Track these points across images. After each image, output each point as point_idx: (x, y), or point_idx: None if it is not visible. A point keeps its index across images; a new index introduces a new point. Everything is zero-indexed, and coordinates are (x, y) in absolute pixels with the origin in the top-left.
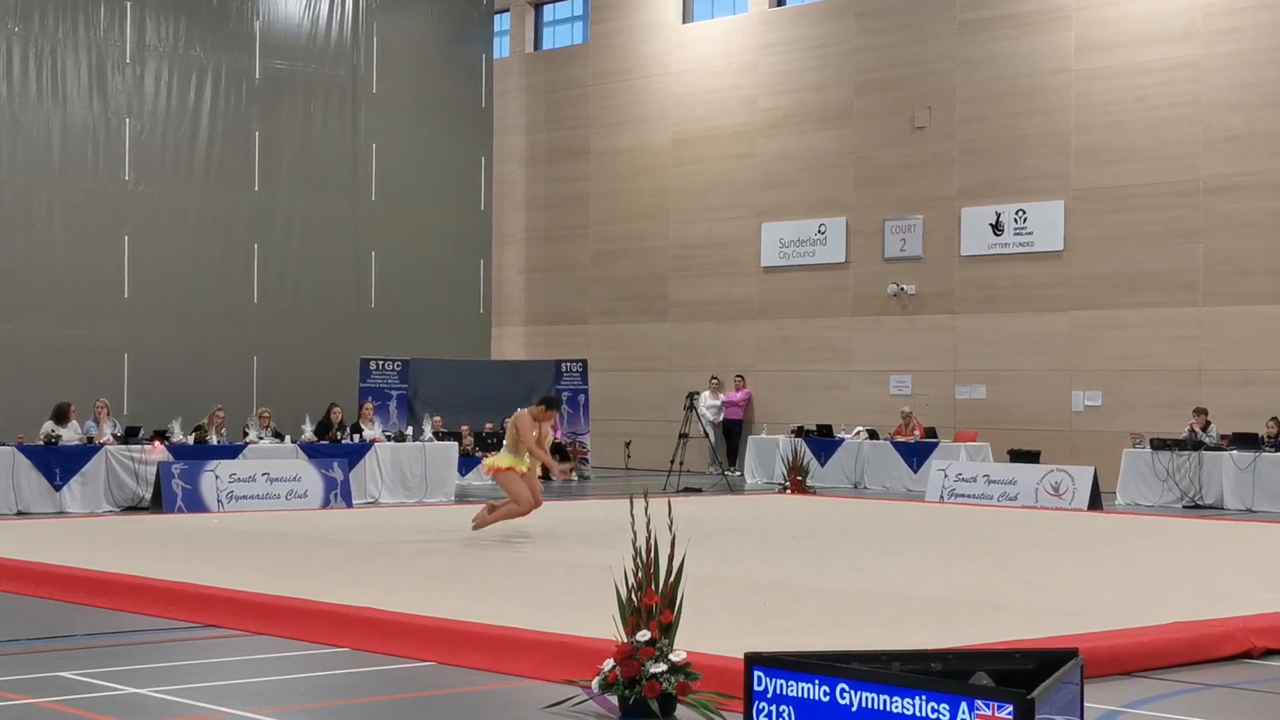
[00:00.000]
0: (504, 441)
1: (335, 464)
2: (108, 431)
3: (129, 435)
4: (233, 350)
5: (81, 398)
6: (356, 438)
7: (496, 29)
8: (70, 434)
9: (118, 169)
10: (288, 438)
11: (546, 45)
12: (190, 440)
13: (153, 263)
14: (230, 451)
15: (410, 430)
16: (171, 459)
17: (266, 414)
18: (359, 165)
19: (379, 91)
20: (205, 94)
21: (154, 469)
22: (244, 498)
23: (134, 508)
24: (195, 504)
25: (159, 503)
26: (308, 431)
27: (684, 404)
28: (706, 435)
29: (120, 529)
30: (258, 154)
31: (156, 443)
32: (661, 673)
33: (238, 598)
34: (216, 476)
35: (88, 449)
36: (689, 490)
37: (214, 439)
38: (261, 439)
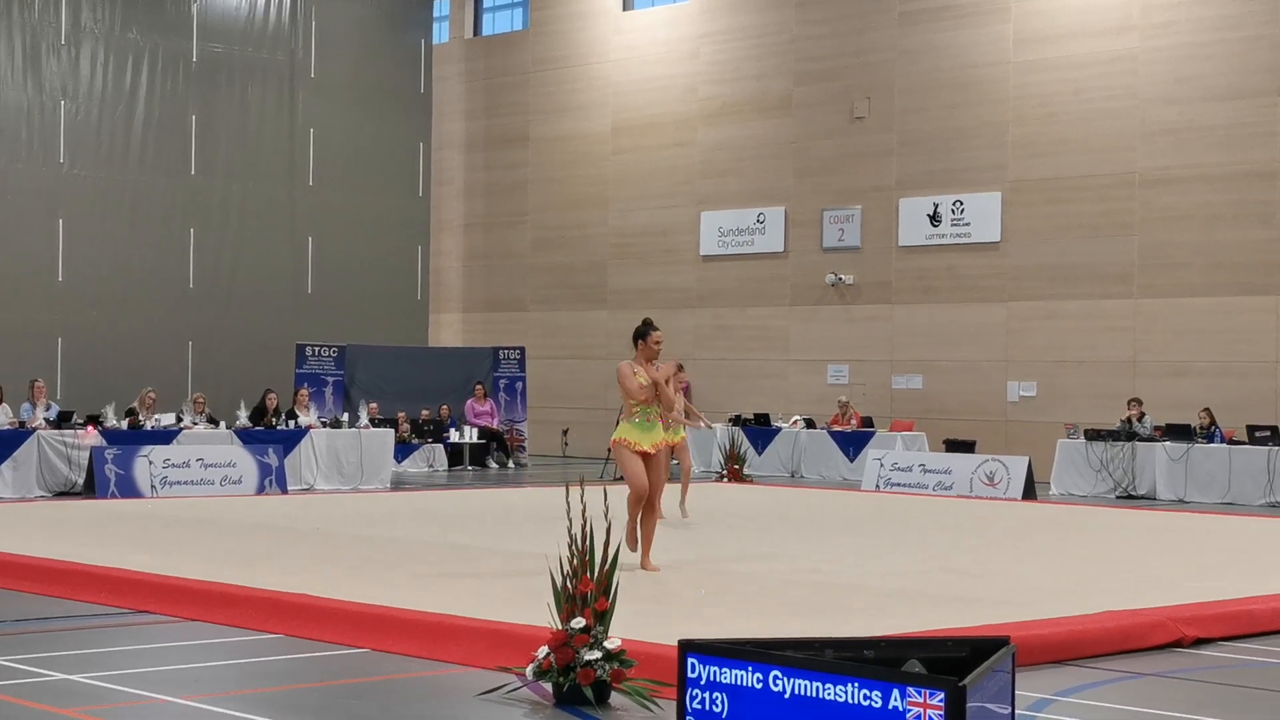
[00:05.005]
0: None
1: (270, 450)
2: (40, 415)
3: (62, 420)
4: (167, 335)
5: (13, 381)
6: (292, 424)
7: (436, 14)
8: (0, 417)
9: (52, 152)
10: (222, 423)
11: (486, 31)
12: (124, 425)
13: (87, 246)
14: (164, 437)
15: (346, 417)
16: (105, 444)
17: (201, 399)
18: (296, 150)
19: (317, 76)
20: (141, 77)
21: (87, 454)
22: (178, 483)
23: (66, 493)
24: (128, 489)
25: (92, 488)
26: (243, 417)
27: None
28: None
29: (52, 514)
30: (194, 138)
31: (90, 427)
32: (596, 660)
33: (170, 583)
34: (150, 462)
35: (19, 433)
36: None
37: (146, 422)
38: (196, 424)
